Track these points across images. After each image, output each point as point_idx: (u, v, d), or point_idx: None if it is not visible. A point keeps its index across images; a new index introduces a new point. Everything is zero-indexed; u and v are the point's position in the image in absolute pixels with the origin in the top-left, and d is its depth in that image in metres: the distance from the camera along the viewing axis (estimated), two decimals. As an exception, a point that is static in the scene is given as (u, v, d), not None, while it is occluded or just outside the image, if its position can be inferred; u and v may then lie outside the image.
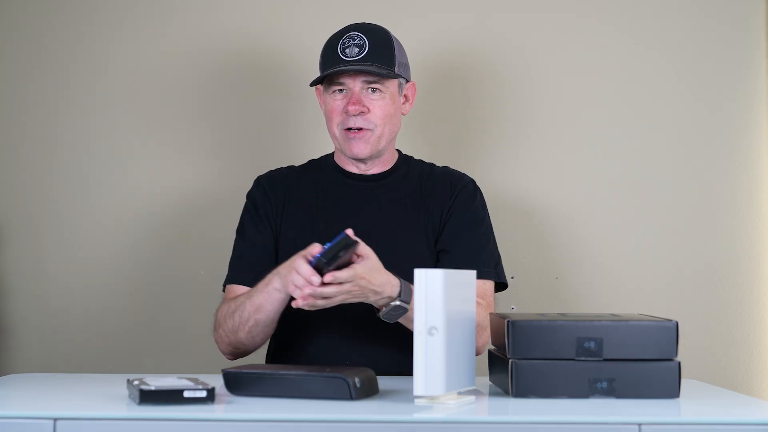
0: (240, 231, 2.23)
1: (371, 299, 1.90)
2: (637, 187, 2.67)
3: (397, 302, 1.91)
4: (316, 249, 1.82)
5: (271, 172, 2.28)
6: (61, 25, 2.71)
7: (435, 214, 2.19)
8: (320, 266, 1.81)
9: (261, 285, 2.02)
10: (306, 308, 1.85)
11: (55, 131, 2.70)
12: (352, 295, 1.86)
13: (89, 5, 2.72)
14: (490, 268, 2.16)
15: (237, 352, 2.16)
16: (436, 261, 2.17)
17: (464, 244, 2.16)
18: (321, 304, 1.85)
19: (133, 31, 2.71)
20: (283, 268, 1.94)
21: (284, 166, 2.31)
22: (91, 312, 2.67)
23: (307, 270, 1.81)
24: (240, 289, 2.15)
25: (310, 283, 1.81)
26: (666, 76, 2.69)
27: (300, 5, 2.71)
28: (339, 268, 1.82)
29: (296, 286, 1.83)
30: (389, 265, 2.08)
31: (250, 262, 2.17)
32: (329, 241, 1.80)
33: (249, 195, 2.25)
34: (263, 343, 2.13)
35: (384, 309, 1.92)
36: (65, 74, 2.71)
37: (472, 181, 2.26)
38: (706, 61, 2.69)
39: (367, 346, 2.10)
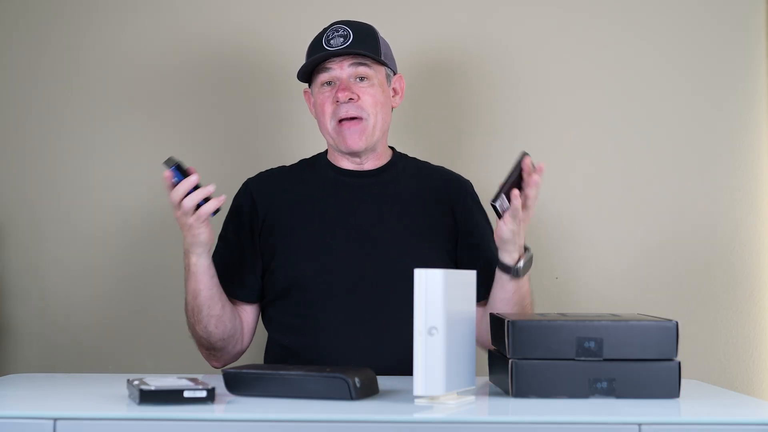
0: (221, 236, 2.22)
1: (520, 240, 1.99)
2: (637, 186, 2.67)
3: (531, 253, 2.03)
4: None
5: (261, 173, 2.27)
6: (61, 25, 2.71)
7: (445, 215, 2.19)
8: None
9: (185, 272, 2.08)
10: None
11: (55, 131, 2.70)
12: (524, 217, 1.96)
13: (89, 5, 2.72)
14: None
15: (214, 352, 2.15)
16: (454, 264, 2.16)
17: (491, 250, 2.17)
18: None
19: (132, 32, 2.70)
20: (186, 243, 2.04)
21: (275, 167, 2.30)
22: (91, 312, 2.67)
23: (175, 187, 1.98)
24: None
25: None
26: (666, 76, 2.69)
27: (296, 5, 2.71)
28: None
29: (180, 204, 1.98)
30: (393, 262, 2.07)
31: (226, 269, 2.17)
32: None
33: (235, 198, 2.24)
34: (225, 332, 2.12)
35: (524, 259, 2.01)
36: (65, 74, 2.70)
37: (470, 183, 2.27)
38: (706, 61, 2.69)
39: (370, 346, 2.10)
